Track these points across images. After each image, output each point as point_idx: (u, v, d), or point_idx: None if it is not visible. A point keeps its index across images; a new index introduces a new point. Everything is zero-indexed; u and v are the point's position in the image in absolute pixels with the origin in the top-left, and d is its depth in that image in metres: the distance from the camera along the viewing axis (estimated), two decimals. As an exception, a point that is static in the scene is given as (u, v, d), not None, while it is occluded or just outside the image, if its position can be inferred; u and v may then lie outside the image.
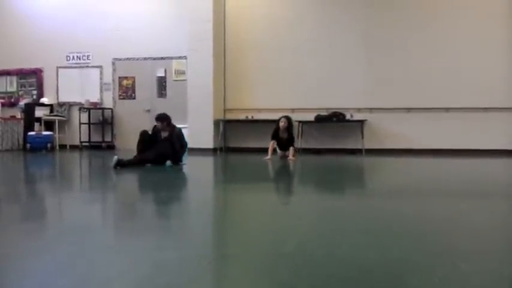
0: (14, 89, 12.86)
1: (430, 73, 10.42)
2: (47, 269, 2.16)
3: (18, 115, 12.14)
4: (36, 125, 11.78)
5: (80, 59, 12.35)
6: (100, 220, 3.52)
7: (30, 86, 12.74)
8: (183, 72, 11.50)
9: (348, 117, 10.49)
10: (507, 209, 3.86)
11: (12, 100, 12.77)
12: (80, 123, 12.13)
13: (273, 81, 11.09)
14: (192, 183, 6.01)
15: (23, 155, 10.16)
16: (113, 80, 12.22)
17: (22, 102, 12.31)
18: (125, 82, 12.20)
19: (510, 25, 10.19)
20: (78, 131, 12.16)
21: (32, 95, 12.67)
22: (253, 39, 11.20)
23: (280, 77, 11.05)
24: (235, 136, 11.31)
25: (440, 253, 2.37)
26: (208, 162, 8.68)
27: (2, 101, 12.75)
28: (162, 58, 11.79)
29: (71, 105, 12.42)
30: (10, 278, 2.07)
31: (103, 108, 12.13)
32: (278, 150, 9.03)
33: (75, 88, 12.39)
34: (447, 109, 10.32)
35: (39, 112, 11.91)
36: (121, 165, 6.72)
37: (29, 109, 11.86)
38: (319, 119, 10.56)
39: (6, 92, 12.88)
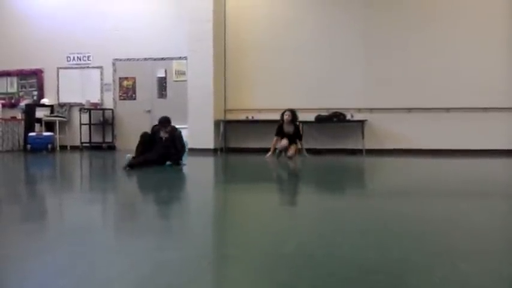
0: (14, 89, 12.86)
1: (430, 73, 10.42)
2: (47, 269, 2.16)
3: (19, 116, 12.15)
4: (37, 125, 11.79)
5: (80, 59, 12.36)
6: (101, 220, 3.52)
7: (30, 87, 12.74)
8: (184, 73, 11.50)
9: (348, 117, 10.49)
10: (507, 209, 3.86)
11: (13, 101, 12.78)
12: (81, 124, 12.14)
13: (273, 81, 11.09)
14: (192, 183, 6.01)
15: (23, 155, 10.16)
16: (114, 81, 12.22)
17: (22, 103, 12.32)
18: (125, 83, 12.21)
19: (510, 25, 10.19)
20: (78, 132, 12.17)
21: (33, 96, 12.68)
22: (254, 40, 11.21)
23: (281, 77, 11.05)
24: (235, 136, 11.32)
25: (440, 253, 2.37)
26: (209, 162, 8.69)
27: (3, 101, 12.76)
28: (162, 59, 11.80)
29: (71, 106, 12.43)
30: (10, 279, 2.08)
31: (103, 109, 12.14)
32: (277, 150, 9.08)
33: (76, 89, 12.40)
34: (447, 109, 10.32)
35: (40, 113, 11.91)
36: (130, 166, 6.72)
37: (29, 110, 11.87)
38: (320, 119, 10.56)
39: (6, 93, 12.88)
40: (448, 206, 3.93)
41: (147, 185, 5.62)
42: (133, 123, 11.87)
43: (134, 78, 12.15)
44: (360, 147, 10.55)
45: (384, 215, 3.46)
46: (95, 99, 12.24)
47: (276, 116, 10.46)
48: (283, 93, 10.98)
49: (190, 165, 7.57)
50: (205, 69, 10.51)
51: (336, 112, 10.52)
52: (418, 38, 10.51)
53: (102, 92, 12.31)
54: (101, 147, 12.05)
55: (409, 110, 10.48)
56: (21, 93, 12.82)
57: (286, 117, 9.10)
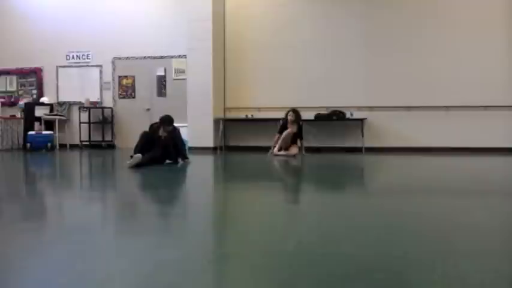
0: (13, 88, 12.86)
1: (430, 71, 10.42)
2: (47, 268, 2.16)
3: (18, 114, 12.15)
4: (36, 124, 11.78)
5: (79, 58, 12.36)
6: (101, 219, 3.52)
7: (30, 86, 12.74)
8: (183, 71, 11.50)
9: (348, 115, 10.49)
10: (508, 207, 3.87)
11: (12, 99, 12.78)
12: (80, 123, 12.14)
13: (272, 80, 11.09)
14: (193, 182, 6.01)
15: (23, 154, 10.16)
16: (113, 79, 12.22)
17: (22, 102, 12.31)
18: (124, 81, 12.21)
19: (509, 23, 10.19)
20: (78, 130, 12.17)
21: (32, 95, 12.67)
22: (253, 38, 11.20)
23: (280, 75, 11.05)
24: (235, 135, 11.32)
25: (440, 251, 2.38)
26: (208, 161, 8.68)
27: (2, 100, 12.76)
28: (161, 57, 11.80)
29: (70, 104, 12.43)
30: (10, 277, 2.07)
31: (103, 108, 12.14)
32: (275, 149, 9.21)
33: (75, 87, 12.40)
34: (447, 107, 10.32)
35: (39, 111, 11.90)
36: (137, 164, 6.72)
37: (29, 108, 11.86)
38: (319, 118, 10.56)
39: (6, 92, 12.88)
40: (448, 204, 3.93)
41: (147, 184, 5.61)
42: (133, 122, 11.88)
43: (133, 77, 12.14)
44: (359, 145, 10.55)
45: (384, 213, 3.46)
46: (95, 97, 12.23)
47: (276, 115, 10.49)
48: (283, 92, 10.98)
49: (190, 164, 7.56)
50: (204, 68, 10.51)
51: (336, 110, 10.52)
52: (418, 37, 10.51)
53: (101, 90, 12.31)
54: (100, 146, 12.04)
55: (409, 108, 10.48)
56: (20, 92, 12.81)
57: (290, 117, 9.35)
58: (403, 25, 10.60)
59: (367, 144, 10.50)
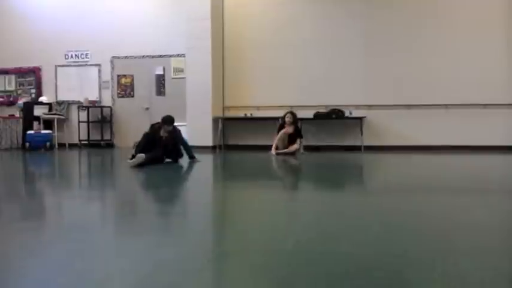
0: (12, 87, 12.83)
1: (430, 70, 10.41)
2: (46, 267, 2.16)
3: (17, 114, 12.13)
4: (35, 123, 11.76)
5: (78, 57, 12.34)
6: (101, 218, 3.52)
7: (28, 85, 12.72)
8: (182, 70, 11.49)
9: (347, 114, 10.48)
10: (507, 205, 3.87)
11: (11, 99, 12.75)
12: (79, 122, 12.12)
13: (271, 78, 11.07)
14: (192, 181, 6.01)
15: (22, 154, 10.15)
16: (112, 78, 12.20)
17: (21, 101, 12.28)
18: (123, 80, 12.19)
19: (509, 22, 10.19)
20: (77, 130, 12.15)
21: (31, 94, 12.65)
22: (252, 37, 11.19)
23: (279, 74, 11.03)
24: (234, 134, 11.31)
25: (440, 249, 2.38)
26: (208, 160, 8.68)
27: (1, 99, 12.74)
28: (160, 56, 11.78)
29: (69, 103, 12.41)
30: (10, 277, 2.07)
31: (102, 107, 12.12)
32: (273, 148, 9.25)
33: (74, 86, 12.38)
34: (447, 106, 10.32)
35: (38, 111, 11.88)
36: (139, 164, 6.73)
37: (27, 108, 11.84)
38: (319, 116, 10.56)
39: (4, 91, 12.85)
40: (447, 202, 3.93)
41: (147, 183, 5.61)
42: (132, 121, 11.86)
43: (132, 76, 12.12)
44: (358, 144, 10.55)
45: (383, 212, 3.46)
46: (93, 96, 12.21)
47: (275, 114, 10.47)
48: (282, 91, 10.97)
49: (190, 163, 7.55)
50: (203, 67, 10.49)
51: (335, 109, 10.51)
52: (417, 35, 10.50)
53: (100, 89, 12.29)
54: (99, 145, 12.03)
55: (408, 106, 10.48)
56: (19, 91, 12.79)
57: (287, 119, 9.43)
58: (403, 24, 10.59)
59: (367, 143, 10.50)
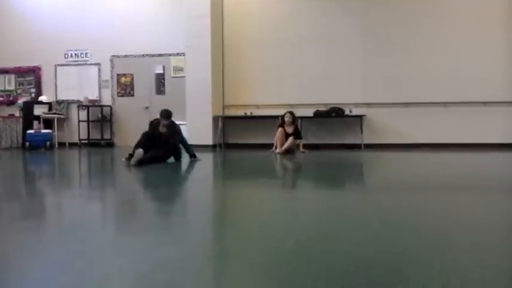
0: (12, 87, 12.83)
1: (429, 68, 10.41)
2: (46, 266, 2.16)
3: (17, 113, 12.13)
4: (35, 123, 11.76)
5: (78, 56, 12.33)
6: (101, 217, 3.52)
7: (28, 84, 12.71)
8: (182, 69, 11.48)
9: (346, 112, 10.48)
10: (506, 202, 3.87)
11: (11, 98, 12.75)
12: (79, 121, 12.12)
13: (271, 77, 11.07)
14: (192, 179, 6.01)
15: (22, 153, 10.15)
16: (111, 78, 12.20)
17: (21, 101, 12.28)
18: (123, 79, 12.19)
19: (508, 19, 10.18)
20: (77, 129, 12.15)
21: (31, 93, 12.65)
22: (252, 35, 11.18)
23: (279, 72, 11.03)
24: (234, 132, 11.31)
25: (440, 247, 2.38)
26: (208, 158, 8.68)
27: (1, 99, 12.74)
28: (160, 55, 11.78)
29: (69, 103, 12.41)
30: (10, 276, 2.08)
31: (102, 106, 12.12)
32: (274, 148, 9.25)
33: (74, 86, 12.37)
34: (445, 104, 10.32)
35: (38, 110, 11.88)
36: (140, 162, 6.69)
37: (27, 107, 11.84)
38: (318, 115, 10.56)
39: (4, 91, 12.85)
40: (447, 199, 3.93)
41: (147, 182, 5.62)
42: (132, 120, 11.86)
43: (132, 75, 12.12)
44: (358, 142, 10.55)
45: (383, 210, 3.47)
46: (93, 96, 12.21)
47: (274, 112, 10.48)
48: (282, 89, 10.97)
49: (190, 161, 7.55)
50: (203, 65, 10.49)
51: (334, 107, 10.51)
52: (416, 33, 10.50)
53: (100, 88, 12.28)
54: (99, 144, 12.03)
55: (408, 104, 10.48)
56: (19, 91, 12.79)
57: (287, 119, 9.44)
58: (401, 22, 10.58)
59: (366, 141, 10.50)
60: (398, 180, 5.52)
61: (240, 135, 11.24)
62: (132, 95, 12.13)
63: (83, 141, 12.09)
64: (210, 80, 10.48)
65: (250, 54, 11.18)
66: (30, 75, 12.66)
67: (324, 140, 10.73)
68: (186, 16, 10.63)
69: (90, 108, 12.05)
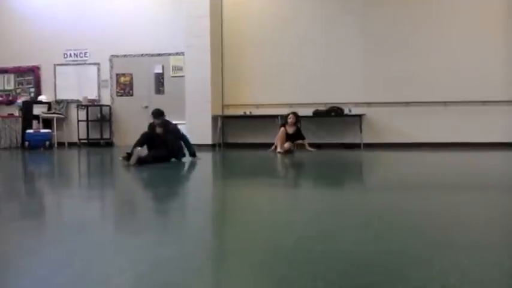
0: (11, 87, 12.82)
1: (428, 67, 10.41)
2: (45, 266, 2.16)
3: (16, 113, 12.12)
4: (34, 122, 11.75)
5: (77, 56, 12.32)
6: (100, 216, 3.52)
7: (27, 84, 12.70)
8: (181, 69, 11.47)
9: (346, 111, 10.48)
10: (506, 201, 3.87)
11: (10, 98, 12.74)
12: (78, 121, 12.11)
13: (271, 76, 11.07)
14: (192, 179, 6.01)
15: (21, 153, 10.15)
16: (111, 77, 12.19)
17: (20, 100, 12.27)
18: (122, 79, 12.18)
19: (507, 19, 10.18)
20: (76, 129, 12.14)
21: (30, 93, 12.64)
22: (251, 35, 11.18)
23: (278, 72, 11.03)
24: (233, 132, 11.31)
25: (439, 246, 2.38)
26: (207, 158, 8.68)
27: (0, 99, 12.73)
28: (159, 54, 11.77)
29: (68, 102, 12.40)
30: (9, 276, 2.07)
31: (101, 105, 12.11)
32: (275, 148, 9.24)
33: (73, 85, 12.36)
34: (445, 103, 10.32)
35: (37, 110, 11.87)
36: (139, 161, 6.68)
37: (26, 107, 11.83)
38: (318, 114, 10.56)
39: (3, 90, 12.84)
40: (447, 199, 3.93)
41: (147, 181, 5.61)
42: (131, 120, 11.85)
43: (131, 75, 12.11)
44: (358, 141, 10.55)
45: (383, 209, 3.46)
46: (92, 95, 12.20)
47: (274, 112, 10.49)
48: (281, 88, 10.96)
49: (189, 161, 7.54)
50: (202, 65, 10.48)
51: (334, 107, 10.51)
52: (416, 32, 10.49)
53: (99, 88, 12.27)
54: (98, 144, 12.02)
55: (407, 103, 10.48)
56: (18, 90, 12.77)
57: (290, 120, 9.42)
58: (401, 21, 10.58)
59: (366, 140, 10.50)
60: (398, 179, 5.52)
61: (239, 135, 11.24)
62: (132, 95, 12.12)
63: (82, 141, 12.08)
64: (210, 80, 10.48)
65: (250, 53, 11.17)
66: (30, 74, 12.64)
67: (324, 140, 10.72)
68: (185, 16, 10.62)
69: (89, 108, 12.04)
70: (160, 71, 11.87)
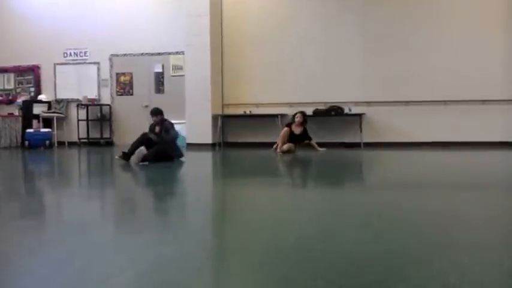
0: (11, 86, 12.82)
1: (428, 66, 10.40)
2: (45, 265, 2.16)
3: (16, 112, 12.12)
4: (34, 122, 11.75)
5: (77, 55, 12.32)
6: (100, 216, 3.52)
7: (27, 83, 12.70)
8: (181, 68, 11.47)
9: (346, 111, 10.48)
10: (506, 201, 3.87)
11: (10, 97, 12.74)
12: (78, 120, 12.11)
13: (271, 75, 11.06)
14: (192, 178, 6.01)
15: (21, 152, 10.15)
16: (111, 76, 12.19)
17: (20, 100, 12.27)
18: (122, 78, 12.18)
19: (507, 18, 10.18)
20: (76, 128, 12.14)
21: (30, 92, 12.64)
22: (251, 34, 11.17)
23: (278, 71, 11.02)
24: (233, 131, 11.31)
25: (440, 245, 2.38)
26: (207, 157, 8.68)
27: (0, 98, 12.72)
28: (159, 54, 11.76)
29: (68, 101, 12.40)
30: (9, 275, 2.07)
31: (101, 105, 12.11)
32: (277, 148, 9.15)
33: (73, 85, 12.36)
34: (445, 102, 10.32)
35: (37, 109, 11.87)
36: (144, 160, 6.76)
37: (26, 106, 11.83)
38: (318, 113, 10.56)
39: (3, 90, 12.84)
40: (447, 198, 3.93)
41: (147, 180, 5.61)
42: (131, 119, 11.85)
43: (131, 74, 12.11)
44: (358, 140, 10.55)
45: (383, 208, 3.46)
46: (92, 95, 12.20)
47: (274, 111, 10.49)
48: (281, 88, 10.96)
49: (191, 160, 7.55)
50: (202, 64, 10.48)
51: (334, 106, 10.51)
52: (416, 32, 10.48)
53: (99, 87, 12.27)
54: (98, 143, 12.02)
55: (407, 103, 10.48)
56: (18, 90, 12.77)
57: (297, 119, 9.29)
58: (401, 20, 10.57)
59: (366, 140, 10.50)
60: (398, 178, 5.52)
61: (239, 134, 11.24)
62: (131, 94, 12.12)
63: (82, 140, 12.08)
64: (210, 79, 10.48)
65: (250, 52, 11.17)
66: (30, 74, 12.64)
67: (324, 139, 10.71)
68: (185, 14, 10.62)
69: (89, 107, 12.04)
70: (160, 70, 11.87)
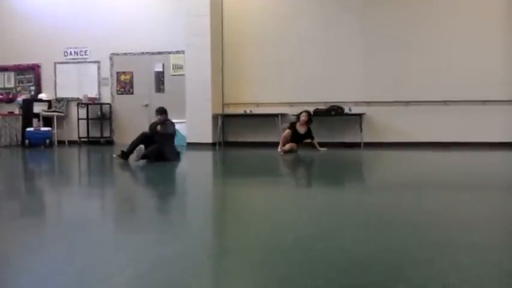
0: (11, 85, 12.81)
1: (428, 66, 10.40)
2: (46, 264, 2.16)
3: (16, 111, 12.11)
4: (35, 120, 11.74)
5: (77, 54, 12.32)
6: (100, 215, 3.52)
7: (28, 82, 12.70)
8: (181, 67, 11.47)
9: (346, 111, 10.48)
10: (506, 201, 3.87)
11: (10, 96, 12.74)
12: (78, 119, 12.10)
13: (271, 75, 11.06)
14: (192, 178, 6.01)
15: (21, 151, 10.15)
16: (111, 75, 12.18)
17: (20, 98, 12.27)
18: (122, 77, 12.17)
19: (507, 18, 10.17)
20: (76, 127, 12.13)
21: (30, 91, 12.64)
22: (251, 33, 11.17)
23: (279, 70, 11.02)
24: (233, 130, 11.30)
25: (440, 246, 2.38)
26: (208, 157, 8.68)
27: (0, 97, 12.72)
28: (159, 53, 11.75)
29: (69, 100, 12.39)
30: (10, 274, 2.07)
31: (101, 104, 12.11)
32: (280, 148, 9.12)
33: (73, 83, 12.36)
34: (445, 102, 10.32)
35: (38, 108, 11.87)
36: (143, 157, 6.86)
37: (27, 105, 11.83)
38: (318, 113, 10.55)
39: (4, 88, 12.84)
40: (447, 198, 3.93)
41: (147, 180, 5.62)
42: (131, 118, 11.85)
43: (132, 73, 12.10)
44: (358, 140, 10.55)
45: (383, 208, 3.46)
46: (93, 93, 12.20)
47: (274, 110, 10.48)
48: (281, 87, 10.96)
49: (191, 159, 7.55)
50: (203, 63, 10.48)
51: (334, 106, 10.50)
52: (416, 31, 10.48)
53: (99, 86, 12.27)
54: (98, 142, 12.02)
55: (407, 103, 10.48)
56: (18, 88, 12.77)
57: (303, 118, 9.26)
58: (401, 20, 10.56)
59: (366, 140, 10.50)
60: (398, 178, 5.52)
61: (239, 134, 11.24)
62: (132, 93, 12.12)
63: (82, 139, 12.08)
64: (210, 78, 10.48)
65: (250, 52, 11.17)
66: (30, 72, 12.64)
67: (324, 139, 10.70)
68: (185, 14, 10.62)
69: (89, 106, 12.04)
70: (160, 69, 11.87)
